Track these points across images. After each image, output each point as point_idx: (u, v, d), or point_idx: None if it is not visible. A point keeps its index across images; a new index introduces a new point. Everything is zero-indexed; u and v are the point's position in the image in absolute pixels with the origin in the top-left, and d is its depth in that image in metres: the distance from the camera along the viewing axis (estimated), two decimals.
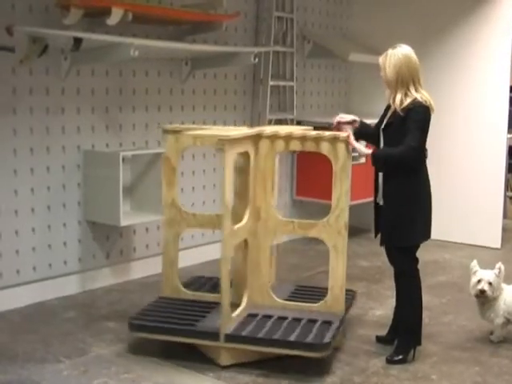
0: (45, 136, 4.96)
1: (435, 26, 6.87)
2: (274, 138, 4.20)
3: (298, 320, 4.06)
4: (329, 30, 7.30)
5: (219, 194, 4.25)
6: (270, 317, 4.12)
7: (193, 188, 5.99)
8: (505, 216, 7.24)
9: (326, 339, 3.80)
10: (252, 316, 4.14)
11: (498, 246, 6.71)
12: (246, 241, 4.19)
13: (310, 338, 3.82)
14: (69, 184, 5.13)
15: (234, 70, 6.27)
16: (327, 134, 4.16)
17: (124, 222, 5.08)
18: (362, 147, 4.09)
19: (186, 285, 4.56)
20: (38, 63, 4.77)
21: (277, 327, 3.97)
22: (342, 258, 4.14)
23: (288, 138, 4.18)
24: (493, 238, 6.70)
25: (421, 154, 3.93)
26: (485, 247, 6.68)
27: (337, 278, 4.16)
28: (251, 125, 6.26)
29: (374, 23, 7.18)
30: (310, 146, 4.17)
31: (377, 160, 3.96)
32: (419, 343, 4.14)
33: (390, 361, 4.06)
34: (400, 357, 4.06)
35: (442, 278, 5.79)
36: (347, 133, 4.10)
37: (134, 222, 5.32)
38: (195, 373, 3.85)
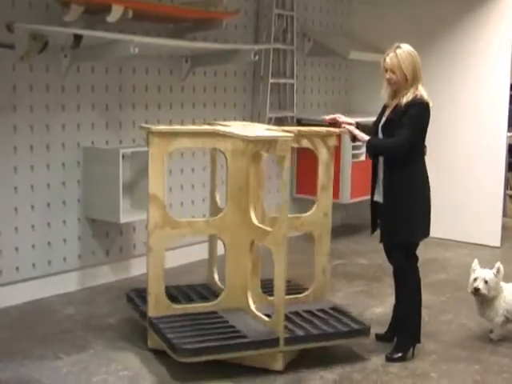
0: (45, 133, 4.95)
1: (435, 23, 6.86)
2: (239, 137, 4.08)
3: (230, 327, 3.96)
4: (329, 27, 7.30)
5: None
6: (219, 317, 4.09)
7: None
8: (504, 214, 7.24)
9: (194, 346, 3.70)
10: (205, 313, 4.15)
11: (498, 244, 6.71)
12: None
13: (184, 342, 3.73)
14: (69, 181, 5.13)
15: (234, 67, 6.26)
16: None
17: (124, 219, 5.09)
18: (363, 134, 4.13)
19: None
20: (38, 60, 4.77)
21: (196, 327, 3.94)
22: (281, 272, 3.81)
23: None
24: (492, 236, 6.70)
25: (410, 150, 3.92)
26: (484, 245, 6.68)
27: (278, 293, 3.87)
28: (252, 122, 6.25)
29: (375, 21, 7.17)
30: (263, 148, 3.98)
31: (369, 147, 4.07)
32: (418, 341, 4.14)
33: (390, 358, 4.06)
34: (399, 354, 4.07)
35: (441, 276, 5.79)
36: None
37: (133, 219, 5.33)
38: (194, 371, 3.83)
